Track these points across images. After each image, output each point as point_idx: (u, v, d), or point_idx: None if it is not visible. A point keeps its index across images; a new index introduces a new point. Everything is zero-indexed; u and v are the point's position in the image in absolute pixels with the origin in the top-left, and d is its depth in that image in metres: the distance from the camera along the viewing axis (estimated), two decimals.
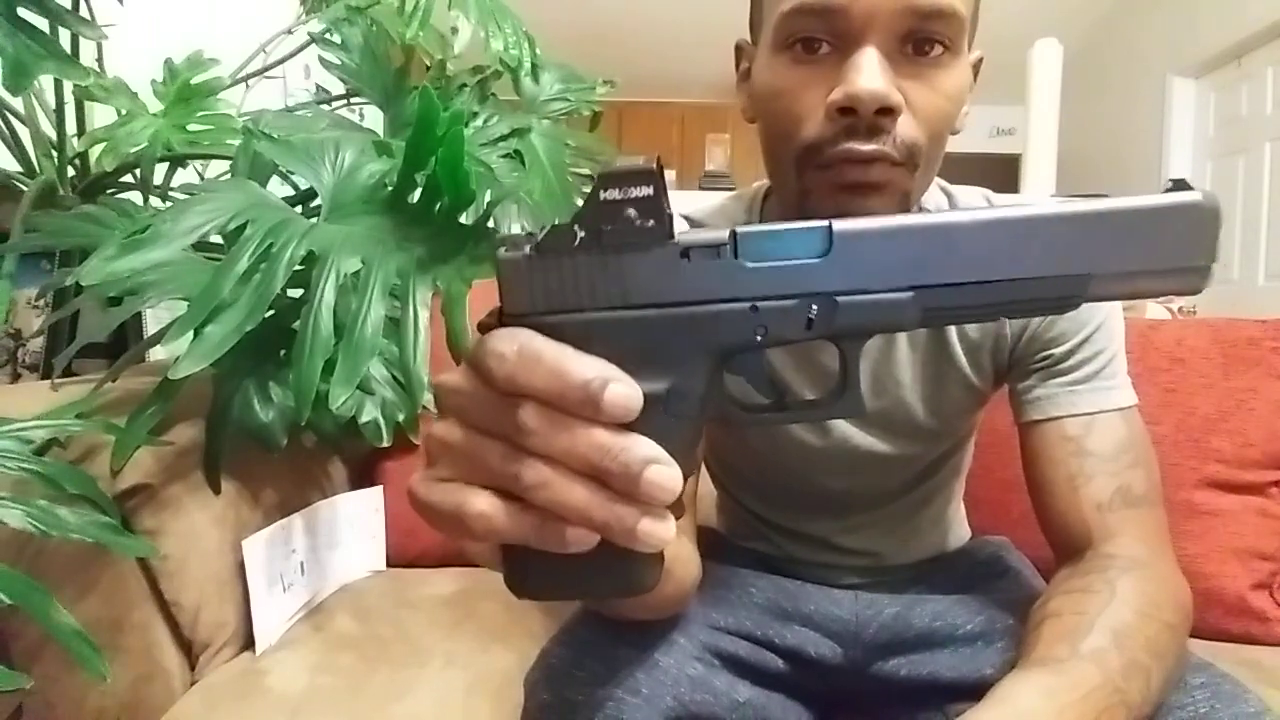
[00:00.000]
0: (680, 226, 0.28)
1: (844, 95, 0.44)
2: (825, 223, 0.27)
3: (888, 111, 0.45)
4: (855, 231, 0.27)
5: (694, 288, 0.27)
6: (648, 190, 0.26)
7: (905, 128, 0.46)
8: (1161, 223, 0.27)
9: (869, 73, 0.44)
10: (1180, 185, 0.27)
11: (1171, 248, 0.27)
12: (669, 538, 0.25)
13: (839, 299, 0.27)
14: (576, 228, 0.27)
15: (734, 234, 0.27)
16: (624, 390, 0.24)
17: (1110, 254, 0.27)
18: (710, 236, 0.27)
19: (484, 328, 0.27)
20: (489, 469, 0.26)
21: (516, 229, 0.94)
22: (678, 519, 0.26)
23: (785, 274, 0.27)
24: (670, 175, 5.26)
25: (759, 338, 0.27)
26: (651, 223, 0.26)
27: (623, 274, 0.27)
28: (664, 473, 0.24)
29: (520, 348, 0.25)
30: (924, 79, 0.46)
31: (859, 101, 0.44)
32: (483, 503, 0.26)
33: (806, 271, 0.27)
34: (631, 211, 0.26)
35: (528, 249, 0.27)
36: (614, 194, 0.26)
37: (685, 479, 0.28)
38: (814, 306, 0.27)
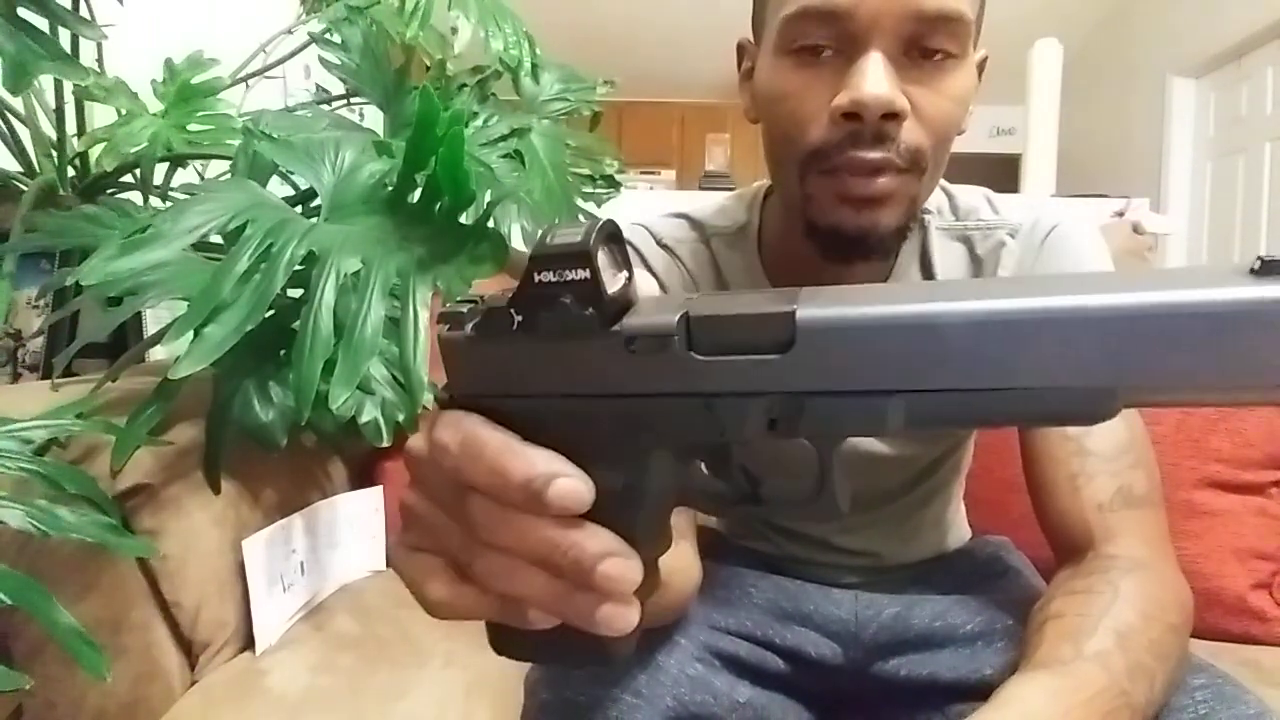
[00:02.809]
0: (645, 282, 0.26)
1: (849, 100, 0.44)
2: (790, 307, 0.22)
3: (893, 117, 0.44)
4: (823, 323, 0.22)
5: (641, 380, 0.24)
6: (584, 273, 0.23)
7: (910, 132, 0.46)
8: (1237, 326, 0.18)
9: (874, 78, 0.44)
10: (1271, 268, 0.18)
11: (1243, 358, 0.18)
12: (633, 622, 0.24)
13: (805, 400, 0.22)
14: (513, 311, 0.24)
15: (686, 319, 0.23)
16: (570, 485, 0.23)
17: (1159, 365, 0.19)
18: (657, 324, 0.23)
19: (440, 402, 0.26)
20: (449, 548, 0.26)
21: (516, 229, 0.94)
22: (645, 599, 0.25)
23: (742, 369, 0.23)
24: (670, 175, 5.29)
25: (717, 435, 0.24)
26: (590, 310, 0.23)
27: (564, 362, 0.24)
28: (620, 565, 0.23)
29: (463, 439, 0.24)
30: (929, 83, 0.46)
31: (864, 107, 0.44)
32: (440, 588, 0.26)
33: (767, 367, 0.22)
34: (567, 298, 0.23)
35: (469, 328, 0.25)
36: (548, 276, 0.23)
37: (656, 557, 0.26)
38: (776, 407, 0.23)
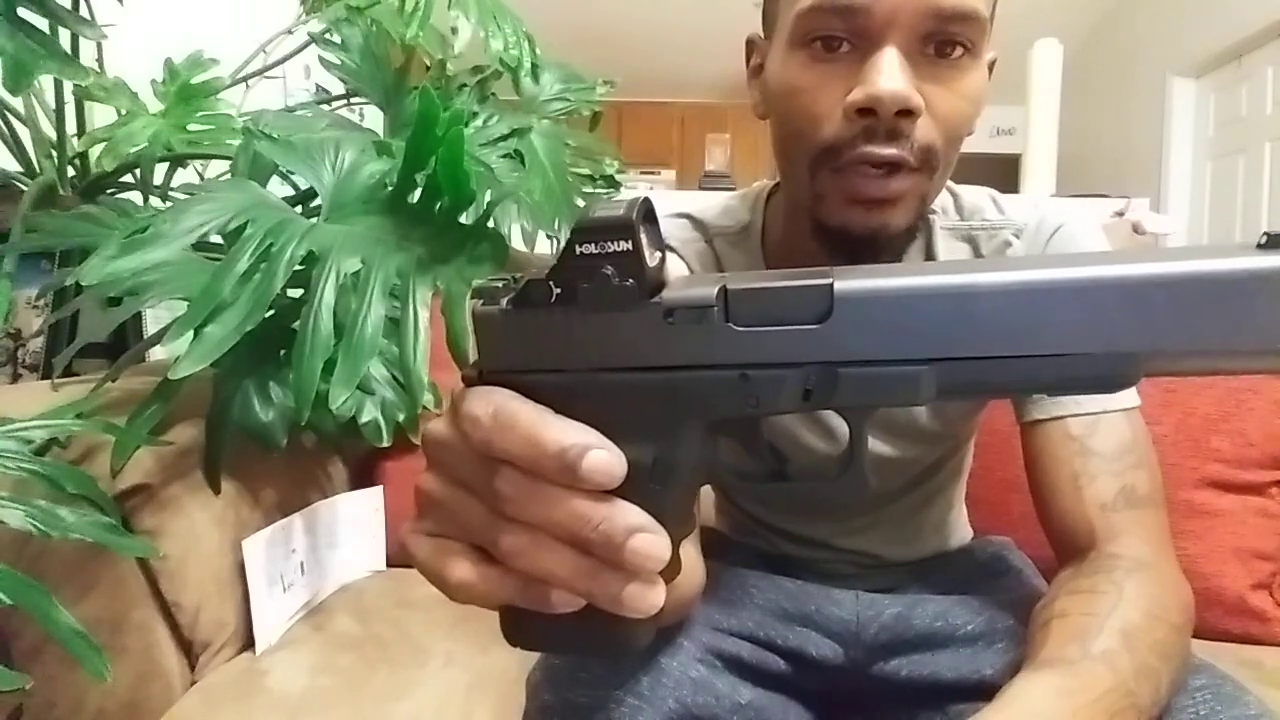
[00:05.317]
0: (675, 264, 0.26)
1: (864, 96, 0.44)
2: (827, 280, 0.23)
3: (908, 113, 0.44)
4: (860, 293, 0.23)
5: (678, 352, 0.24)
6: (626, 245, 0.23)
7: (923, 130, 0.45)
8: (1245, 294, 0.20)
9: (890, 73, 0.43)
10: (1276, 241, 0.21)
11: (1258, 325, 0.20)
12: (658, 603, 0.24)
13: (840, 370, 0.23)
14: (552, 283, 0.24)
15: (724, 292, 0.24)
16: (604, 458, 0.23)
17: (1175, 330, 0.21)
18: (697, 295, 0.24)
19: (466, 380, 0.26)
20: (471, 530, 0.25)
21: (516, 229, 0.94)
22: (670, 580, 0.25)
23: (779, 340, 0.23)
24: (670, 175, 5.29)
25: (751, 407, 0.24)
26: (630, 281, 0.24)
27: (602, 334, 0.24)
28: (650, 541, 0.23)
29: (495, 410, 0.24)
30: (944, 81, 0.46)
31: (880, 103, 0.44)
32: (463, 570, 0.25)
33: (804, 338, 0.23)
34: (609, 269, 0.23)
35: (504, 302, 0.25)
36: (589, 248, 0.24)
37: (680, 540, 0.26)
38: (811, 377, 0.24)
